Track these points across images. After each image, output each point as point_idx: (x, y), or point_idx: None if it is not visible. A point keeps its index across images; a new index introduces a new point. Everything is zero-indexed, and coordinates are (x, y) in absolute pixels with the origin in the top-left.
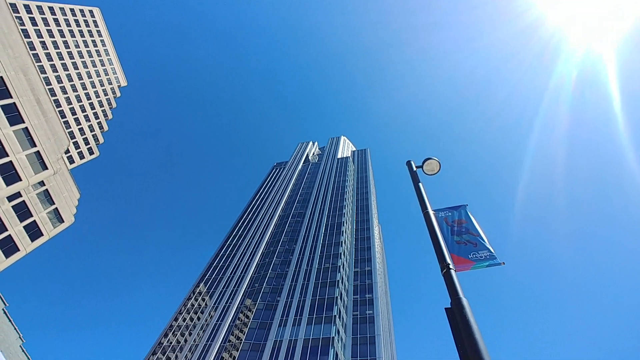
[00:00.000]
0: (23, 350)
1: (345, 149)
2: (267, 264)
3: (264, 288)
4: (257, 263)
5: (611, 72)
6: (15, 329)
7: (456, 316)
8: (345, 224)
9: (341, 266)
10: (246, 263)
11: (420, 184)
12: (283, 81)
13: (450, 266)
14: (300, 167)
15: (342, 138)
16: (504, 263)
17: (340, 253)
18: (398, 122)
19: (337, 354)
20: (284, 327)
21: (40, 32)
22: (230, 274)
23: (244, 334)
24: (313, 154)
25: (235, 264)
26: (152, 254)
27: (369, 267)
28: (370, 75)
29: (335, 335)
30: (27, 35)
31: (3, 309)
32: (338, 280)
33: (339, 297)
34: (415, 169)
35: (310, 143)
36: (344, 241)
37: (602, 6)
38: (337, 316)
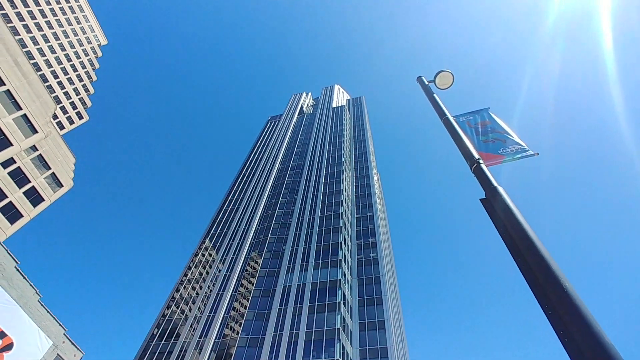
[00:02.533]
0: (42, 305)
1: (340, 97)
2: (270, 215)
3: (269, 238)
4: (260, 216)
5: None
6: (30, 284)
7: (493, 204)
8: (344, 172)
9: (343, 213)
10: (249, 216)
11: (435, 95)
12: (270, 32)
13: (480, 161)
14: (295, 119)
15: (336, 87)
16: (537, 154)
17: (342, 200)
18: (392, 70)
19: (344, 295)
20: (291, 273)
21: None
22: (235, 227)
23: (253, 283)
24: (307, 105)
25: (239, 218)
26: (154, 215)
27: (370, 212)
28: (363, 20)
29: (341, 277)
30: None
31: (16, 267)
32: (341, 227)
33: (342, 242)
34: (427, 83)
35: (304, 94)
36: (344, 189)
37: None
38: (343, 260)
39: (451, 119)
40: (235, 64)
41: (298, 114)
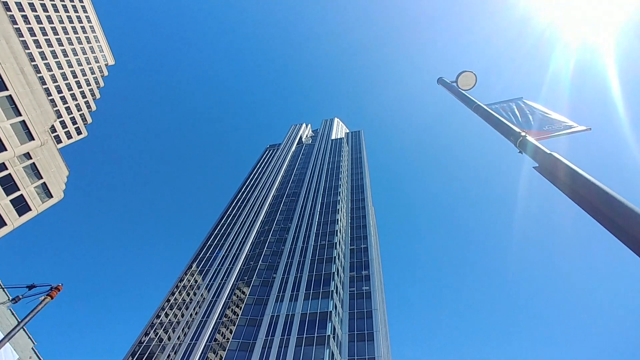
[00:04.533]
0: (13, 313)
1: (339, 130)
2: (262, 242)
3: (259, 265)
4: (252, 242)
5: (609, 61)
6: (2, 289)
7: (551, 170)
8: (340, 203)
9: (337, 243)
10: (241, 241)
11: (460, 90)
12: (274, 65)
13: (523, 134)
14: (294, 148)
15: (336, 120)
16: (590, 128)
17: (336, 230)
18: (391, 105)
19: (334, 328)
20: (280, 302)
21: (21, 5)
22: (225, 252)
23: (240, 310)
24: (306, 135)
25: (230, 243)
26: (143, 236)
27: (365, 244)
28: (364, 59)
29: (332, 309)
30: (7, 8)
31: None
32: (334, 257)
33: (335, 273)
34: (450, 83)
35: (304, 125)
36: (339, 219)
37: None
38: (334, 291)
39: (483, 105)
40: (238, 92)
41: (297, 144)
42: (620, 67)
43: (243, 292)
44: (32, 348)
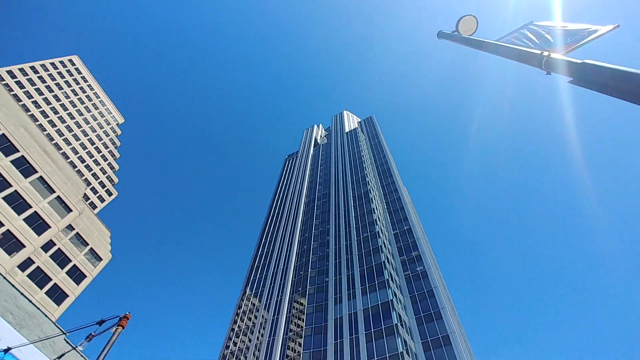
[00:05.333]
0: None
1: (351, 122)
2: (306, 250)
3: (309, 273)
4: (296, 252)
5: None
6: (83, 357)
7: (586, 76)
8: (371, 192)
9: (379, 232)
10: (285, 255)
11: (464, 35)
12: (270, 77)
13: (546, 54)
14: (312, 151)
15: (345, 112)
16: (618, 25)
17: (375, 220)
18: (394, 85)
19: (399, 315)
20: (340, 303)
21: (29, 93)
22: (273, 269)
23: (303, 321)
24: (321, 136)
25: (276, 259)
26: (191, 276)
27: (407, 225)
28: (358, 43)
29: (392, 297)
30: (18, 100)
31: (65, 339)
32: (380, 246)
33: (385, 261)
34: (451, 33)
35: (315, 127)
36: (375, 208)
37: None
38: (390, 279)
39: (493, 42)
40: (242, 112)
41: (314, 147)
42: None
43: (301, 304)
44: None
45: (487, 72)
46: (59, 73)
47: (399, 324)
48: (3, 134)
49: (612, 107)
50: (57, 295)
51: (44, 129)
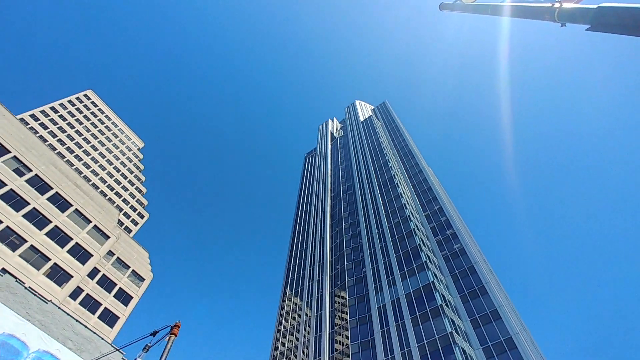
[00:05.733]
0: None
1: (365, 110)
2: (339, 244)
3: (346, 266)
4: (329, 247)
5: None
6: None
7: (605, 21)
8: (396, 177)
9: (410, 215)
10: (320, 251)
11: (469, 4)
12: (278, 76)
13: (557, 5)
14: (330, 146)
15: (357, 102)
16: None
17: (404, 204)
18: (404, 67)
19: (443, 296)
20: (381, 292)
21: (53, 132)
22: (310, 267)
23: (346, 314)
24: (336, 129)
25: (310, 257)
26: (230, 285)
27: (438, 205)
28: (362, 30)
29: (433, 279)
30: (44, 140)
31: (123, 358)
32: (413, 229)
33: (421, 244)
34: (454, 2)
35: (329, 121)
36: (402, 192)
37: None
38: (428, 261)
39: (500, 3)
40: (256, 117)
41: (331, 141)
42: None
43: (342, 297)
44: None
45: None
46: (77, 109)
47: (443, 304)
48: (36, 175)
49: None
50: (109, 318)
51: (71, 164)
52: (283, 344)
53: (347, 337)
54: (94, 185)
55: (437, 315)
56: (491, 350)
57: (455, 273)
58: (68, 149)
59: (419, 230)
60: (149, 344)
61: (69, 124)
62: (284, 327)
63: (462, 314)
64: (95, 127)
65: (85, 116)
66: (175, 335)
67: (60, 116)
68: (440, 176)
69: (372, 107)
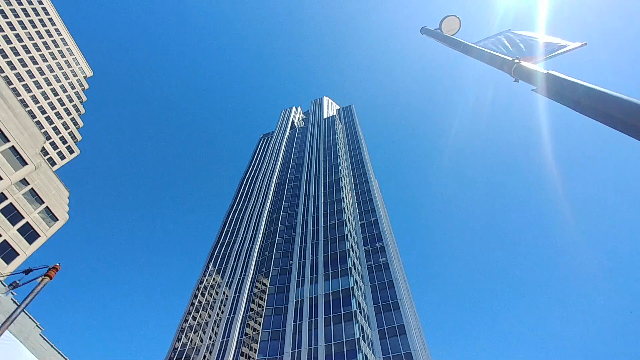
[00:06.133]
0: (45, 339)
1: (330, 108)
2: (272, 232)
3: (274, 255)
4: (262, 233)
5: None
6: (30, 317)
7: (548, 87)
8: (343, 180)
9: (346, 220)
10: (252, 235)
11: (445, 34)
12: (251, 54)
13: (517, 61)
14: (287, 133)
15: (325, 98)
16: (585, 43)
17: (344, 208)
18: (377, 78)
19: (359, 303)
20: (302, 287)
21: None
22: (238, 247)
23: (264, 301)
24: (298, 119)
25: (242, 238)
26: (153, 245)
27: (374, 217)
28: (347, 31)
29: (354, 285)
30: None
31: (12, 299)
32: (346, 234)
33: (350, 250)
34: (434, 30)
35: (294, 108)
36: (345, 196)
37: None
38: (352, 267)
39: (471, 44)
40: (220, 84)
41: (290, 129)
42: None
43: (263, 284)
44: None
45: (469, 76)
46: (24, 10)
47: (357, 311)
48: None
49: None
50: (6, 252)
51: (2, 70)
52: (194, 318)
53: (259, 324)
54: (23, 102)
55: (349, 320)
56: None
57: (375, 284)
58: (2, 52)
59: (351, 236)
60: (18, 281)
61: (9, 23)
62: (199, 301)
63: (372, 323)
64: (41, 37)
65: (31, 21)
66: (51, 278)
67: (1, 11)
68: (385, 189)
69: (338, 108)
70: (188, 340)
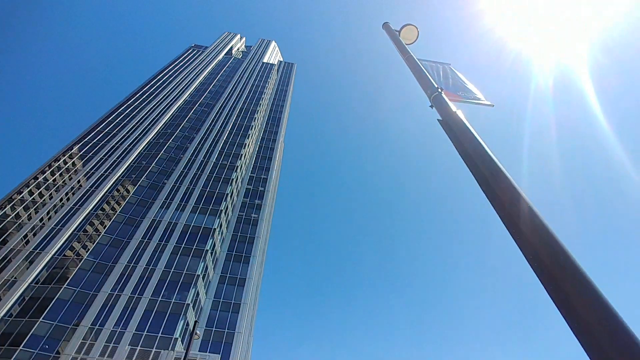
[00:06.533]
0: None
1: (273, 55)
2: (161, 144)
3: (152, 167)
4: (149, 140)
5: (584, 77)
6: None
7: (452, 126)
8: (253, 129)
9: (239, 167)
10: (137, 137)
11: (400, 39)
12: None
13: (440, 90)
14: (220, 57)
15: (273, 43)
16: (493, 105)
17: (241, 155)
18: (330, 50)
19: (215, 245)
20: (166, 209)
21: None
22: (116, 144)
23: (120, 207)
24: (237, 49)
25: (125, 135)
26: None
27: (265, 176)
28: None
29: (217, 227)
30: None
31: None
32: (233, 179)
33: (229, 195)
34: (394, 30)
35: (238, 36)
36: (248, 144)
37: (562, 18)
38: (224, 211)
39: (415, 57)
40: None
41: (225, 54)
42: (594, 80)
43: (127, 190)
44: None
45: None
46: None
47: (209, 252)
48: None
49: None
50: None
51: None
52: (31, 193)
53: (103, 227)
54: None
55: (197, 257)
56: (218, 305)
57: (237, 235)
58: None
59: (236, 183)
60: None
61: None
62: (45, 179)
63: (218, 267)
64: None
65: None
66: None
67: None
68: (288, 156)
69: (281, 60)
70: (13, 213)
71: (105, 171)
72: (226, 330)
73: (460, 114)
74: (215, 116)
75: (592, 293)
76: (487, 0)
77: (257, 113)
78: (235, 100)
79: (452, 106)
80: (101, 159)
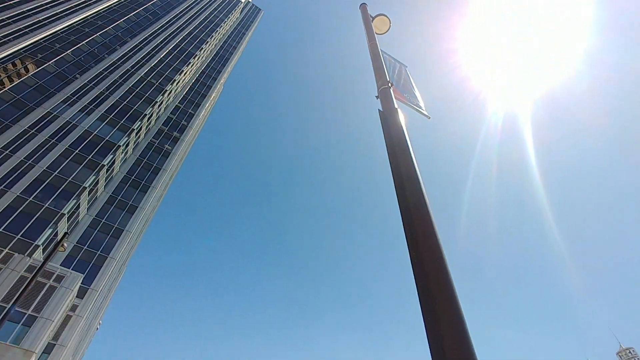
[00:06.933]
0: None
1: None
2: (84, 34)
3: (66, 54)
4: (73, 24)
5: (527, 127)
6: None
7: (389, 120)
8: (196, 58)
9: (168, 92)
10: (59, 14)
11: (372, 24)
12: None
13: (390, 85)
14: None
15: None
16: (429, 117)
17: (176, 80)
18: (299, 15)
19: (113, 162)
20: (69, 105)
21: None
22: (32, 10)
23: (11, 82)
24: None
25: (45, 5)
26: None
27: (193, 111)
28: None
29: (122, 145)
30: None
31: None
32: (157, 101)
33: (147, 116)
34: (369, 15)
35: None
36: (186, 71)
37: (518, 74)
38: (135, 131)
39: (379, 47)
40: None
41: None
42: (534, 134)
43: (26, 69)
44: None
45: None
46: None
47: (105, 167)
48: None
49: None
50: None
51: None
52: None
53: None
54: None
55: (89, 168)
56: (98, 224)
57: (143, 160)
58: None
59: (158, 107)
60: None
61: None
62: None
63: (111, 187)
64: None
65: None
66: None
67: None
68: (224, 103)
69: (249, 1)
70: None
71: (5, 37)
72: (99, 253)
73: (400, 113)
74: (159, 29)
75: (452, 296)
76: (459, 41)
77: (205, 44)
78: (186, 21)
79: (395, 103)
80: (4, 20)
